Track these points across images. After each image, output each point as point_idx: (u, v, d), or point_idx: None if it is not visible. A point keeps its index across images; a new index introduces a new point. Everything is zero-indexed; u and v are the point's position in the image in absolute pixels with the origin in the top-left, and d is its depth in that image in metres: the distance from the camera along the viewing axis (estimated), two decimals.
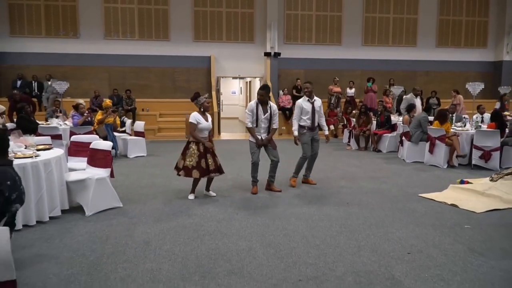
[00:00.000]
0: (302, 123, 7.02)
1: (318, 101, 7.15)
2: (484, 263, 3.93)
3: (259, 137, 6.53)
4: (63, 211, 5.23)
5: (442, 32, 17.94)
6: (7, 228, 2.25)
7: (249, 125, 6.57)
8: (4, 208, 2.40)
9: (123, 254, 4.05)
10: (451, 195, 6.40)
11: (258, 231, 4.77)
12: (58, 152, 5.43)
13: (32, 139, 6.02)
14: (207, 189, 6.40)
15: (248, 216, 5.31)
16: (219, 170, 6.18)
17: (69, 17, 15.58)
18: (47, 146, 5.76)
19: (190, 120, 6.05)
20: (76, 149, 6.40)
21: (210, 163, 6.03)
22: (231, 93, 23.82)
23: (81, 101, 12.30)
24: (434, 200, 6.19)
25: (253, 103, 6.61)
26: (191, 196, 6.20)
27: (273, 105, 6.66)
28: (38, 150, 5.39)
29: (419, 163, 9.36)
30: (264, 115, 6.51)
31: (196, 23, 16.21)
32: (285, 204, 5.81)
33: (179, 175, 6.09)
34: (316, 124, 7.10)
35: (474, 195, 6.29)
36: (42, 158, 4.99)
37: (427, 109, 13.44)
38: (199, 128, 6.05)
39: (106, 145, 5.69)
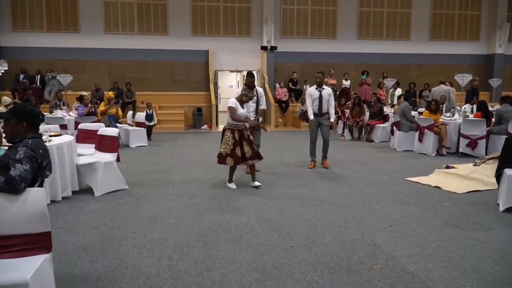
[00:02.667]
0: (313, 110, 7.67)
1: (327, 90, 7.81)
2: (458, 234, 4.36)
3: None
4: (73, 192, 5.64)
5: (435, 25, 18.32)
6: (43, 188, 2.66)
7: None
8: (38, 173, 2.80)
9: (132, 227, 4.47)
10: (436, 178, 6.84)
11: (255, 208, 5.19)
12: (69, 137, 5.83)
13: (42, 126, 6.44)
14: (253, 178, 6.27)
15: (246, 196, 5.73)
16: (257, 156, 6.09)
17: (70, 12, 15.91)
18: (58, 133, 6.16)
19: (230, 104, 6.03)
20: (83, 136, 6.80)
21: (246, 151, 5.94)
22: (228, 86, 24.18)
23: (85, 93, 12.76)
24: (419, 183, 6.63)
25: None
26: (231, 185, 6.19)
27: (259, 88, 7.22)
28: (50, 136, 5.79)
29: (409, 151, 9.78)
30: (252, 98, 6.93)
31: (194, 17, 16.56)
32: (280, 187, 6.24)
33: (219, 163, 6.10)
34: (323, 111, 7.71)
35: (458, 178, 6.73)
36: (55, 142, 5.39)
37: (406, 98, 13.70)
38: (237, 115, 5.99)
39: (113, 131, 6.11)
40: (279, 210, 5.11)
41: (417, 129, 9.60)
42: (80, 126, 6.96)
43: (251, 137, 6.11)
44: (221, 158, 6.02)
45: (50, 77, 15.12)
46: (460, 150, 9.22)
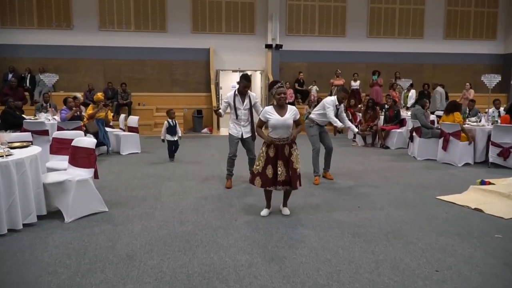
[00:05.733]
0: (317, 118, 6.83)
1: (341, 108, 6.93)
2: None
3: (240, 131, 6.23)
4: (40, 217, 4.62)
5: (450, 23, 17.29)
6: None
7: (221, 113, 6.24)
8: None
9: (101, 272, 3.44)
10: (473, 197, 5.79)
11: (260, 241, 4.16)
12: (34, 150, 4.81)
13: (8, 135, 5.46)
14: (284, 203, 5.13)
15: (248, 223, 4.71)
16: (290, 182, 4.80)
17: (62, 8, 14.93)
18: (25, 144, 5.15)
19: (259, 115, 5.04)
20: (58, 147, 5.80)
21: (280, 172, 4.75)
22: (231, 87, 23.19)
23: (78, 95, 11.77)
24: (455, 203, 5.58)
25: (230, 94, 6.27)
26: (263, 212, 5.00)
27: (252, 93, 6.28)
28: (12, 148, 4.79)
29: (431, 160, 8.76)
30: (243, 105, 6.16)
31: (194, 13, 15.55)
32: (290, 208, 5.16)
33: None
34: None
35: (499, 198, 5.68)
36: (14, 157, 4.38)
37: (420, 99, 13.03)
38: (271, 125, 4.80)
39: (89, 142, 5.07)
40: (290, 245, 4.07)
41: (440, 135, 8.56)
42: (55, 134, 5.95)
43: (294, 157, 4.82)
44: (252, 177, 4.94)
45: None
46: (490, 160, 8.17)
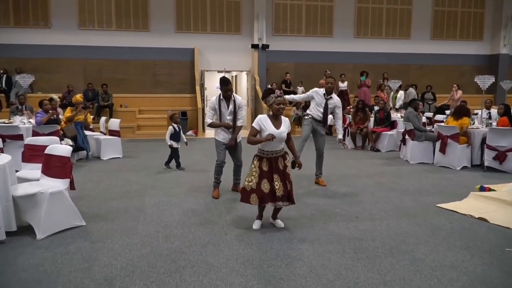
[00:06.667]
0: (312, 112, 6.59)
1: (334, 100, 6.58)
2: None
3: (227, 137, 5.85)
4: (9, 234, 4.16)
5: (437, 23, 17.19)
6: None
7: (208, 121, 5.83)
8: None
9: None
10: (475, 205, 5.49)
11: (254, 259, 3.78)
12: (2, 159, 4.34)
13: None
14: (274, 216, 4.74)
15: (239, 238, 4.31)
16: (288, 198, 4.44)
17: (40, 6, 14.34)
18: None
19: (253, 123, 4.53)
20: (30, 154, 5.32)
21: (277, 187, 4.35)
22: (216, 88, 22.72)
23: (55, 96, 11.22)
24: (457, 212, 5.28)
25: (215, 98, 5.82)
26: (255, 225, 4.61)
27: (237, 97, 5.85)
28: None
29: (426, 164, 8.51)
30: (228, 109, 5.75)
31: (178, 12, 15.10)
32: (283, 220, 4.78)
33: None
34: (327, 122, 6.67)
35: (502, 206, 5.39)
36: None
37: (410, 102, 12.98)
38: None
39: (64, 150, 4.62)
40: (287, 263, 3.69)
41: (438, 138, 8.29)
42: (27, 140, 5.46)
43: (289, 169, 4.48)
44: (244, 195, 4.45)
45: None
46: (486, 164, 7.94)
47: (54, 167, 4.59)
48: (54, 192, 4.32)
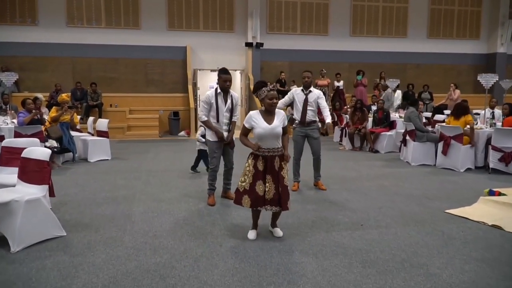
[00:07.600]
0: (296, 115, 6.24)
1: (314, 93, 6.19)
2: None
3: (223, 134, 5.38)
4: None
5: (434, 22, 16.91)
6: None
7: (204, 118, 5.35)
8: None
9: None
10: (486, 211, 5.15)
11: (252, 275, 3.39)
12: None
13: None
14: (272, 223, 4.37)
15: (235, 249, 3.93)
16: (279, 202, 4.03)
17: (27, 2, 13.85)
18: None
19: (244, 121, 4.21)
20: (8, 157, 4.91)
21: (267, 189, 3.99)
22: (209, 87, 22.35)
23: (40, 95, 10.76)
24: (468, 218, 4.93)
25: (210, 92, 5.34)
26: (250, 234, 4.24)
27: (234, 93, 5.43)
28: None
29: (427, 166, 8.18)
30: (226, 106, 5.32)
31: (170, 9, 14.67)
32: (282, 228, 4.39)
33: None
34: (308, 118, 6.17)
35: None
36: None
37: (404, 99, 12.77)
38: (257, 135, 4.07)
39: (42, 153, 4.20)
40: (289, 280, 3.32)
41: (441, 139, 7.96)
42: (4, 142, 5.04)
43: (285, 172, 4.11)
44: (237, 196, 4.14)
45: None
46: (491, 166, 7.62)
47: (31, 171, 4.17)
48: (31, 199, 3.91)
